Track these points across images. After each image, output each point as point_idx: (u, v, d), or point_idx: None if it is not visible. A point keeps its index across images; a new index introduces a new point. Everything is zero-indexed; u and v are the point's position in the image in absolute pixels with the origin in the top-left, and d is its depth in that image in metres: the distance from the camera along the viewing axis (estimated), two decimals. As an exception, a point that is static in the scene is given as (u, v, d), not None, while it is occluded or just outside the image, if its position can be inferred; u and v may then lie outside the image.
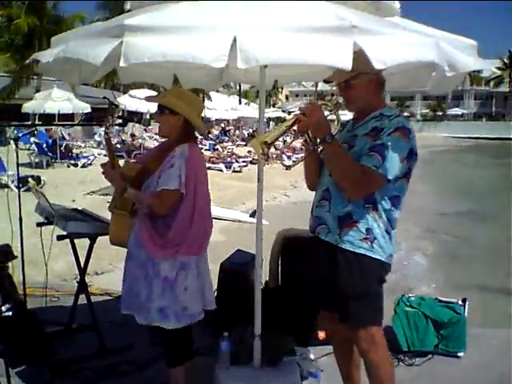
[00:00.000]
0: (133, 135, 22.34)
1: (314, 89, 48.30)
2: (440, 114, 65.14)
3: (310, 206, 2.72)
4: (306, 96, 69.91)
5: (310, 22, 1.97)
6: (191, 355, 3.05)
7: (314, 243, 2.64)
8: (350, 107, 2.58)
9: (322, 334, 3.73)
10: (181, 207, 2.79)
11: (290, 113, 29.83)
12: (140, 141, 20.32)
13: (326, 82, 2.69)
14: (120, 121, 3.30)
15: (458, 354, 3.70)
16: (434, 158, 24.90)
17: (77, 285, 4.03)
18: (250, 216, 9.40)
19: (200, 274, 2.94)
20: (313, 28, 1.93)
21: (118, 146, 19.97)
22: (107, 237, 3.16)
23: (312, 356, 3.51)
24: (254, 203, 8.55)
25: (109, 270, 5.93)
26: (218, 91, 27.96)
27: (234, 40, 1.88)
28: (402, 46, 2.02)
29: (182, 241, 2.81)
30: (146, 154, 3.37)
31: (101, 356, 3.65)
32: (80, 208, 4.24)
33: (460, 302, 3.84)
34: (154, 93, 13.96)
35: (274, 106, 48.59)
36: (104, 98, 3.26)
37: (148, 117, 26.87)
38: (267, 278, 4.10)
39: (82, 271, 3.80)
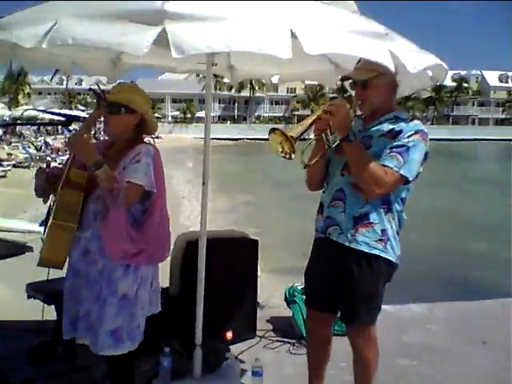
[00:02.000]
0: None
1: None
2: (189, 116, 68.29)
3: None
4: (50, 94, 66.12)
5: (356, 27, 2.05)
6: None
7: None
8: (365, 107, 2.58)
9: (229, 334, 3.74)
10: (154, 208, 2.57)
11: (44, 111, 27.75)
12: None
13: (343, 79, 2.69)
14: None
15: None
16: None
17: None
18: (40, 225, 8.59)
19: (152, 284, 2.72)
20: (359, 32, 2.01)
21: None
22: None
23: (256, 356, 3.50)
24: (34, 211, 7.86)
25: None
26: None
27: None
28: (420, 52, 2.22)
29: (154, 245, 2.58)
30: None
31: None
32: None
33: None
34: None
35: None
36: (90, 90, 2.74)
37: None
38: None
39: None
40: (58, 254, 2.59)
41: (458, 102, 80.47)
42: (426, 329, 4.40)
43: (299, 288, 4.30)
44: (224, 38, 1.83)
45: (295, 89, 77.86)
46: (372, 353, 2.69)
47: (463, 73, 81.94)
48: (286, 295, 4.34)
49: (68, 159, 2.59)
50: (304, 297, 3.96)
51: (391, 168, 2.41)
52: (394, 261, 2.58)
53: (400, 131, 2.47)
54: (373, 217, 2.52)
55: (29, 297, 3.54)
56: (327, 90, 60.19)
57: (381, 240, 2.52)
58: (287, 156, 2.30)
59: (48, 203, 2.64)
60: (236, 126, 66.54)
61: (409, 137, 2.44)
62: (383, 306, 2.72)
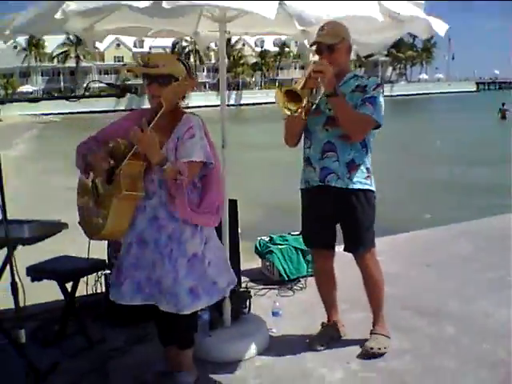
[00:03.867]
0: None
1: None
2: (10, 91, 62.52)
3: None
4: None
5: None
6: None
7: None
8: (333, 68, 2.92)
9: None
10: (212, 177, 2.73)
11: None
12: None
13: (312, 44, 3.03)
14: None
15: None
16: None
17: None
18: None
19: (221, 246, 2.94)
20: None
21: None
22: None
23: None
24: None
25: None
26: None
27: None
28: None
29: (212, 211, 2.77)
30: (118, 128, 2.82)
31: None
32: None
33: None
34: None
35: None
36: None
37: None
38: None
39: None
40: (121, 225, 2.66)
41: (282, 66, 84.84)
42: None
43: (266, 240, 4.73)
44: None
45: (123, 57, 75.60)
46: (379, 271, 3.25)
47: (283, 38, 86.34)
48: (257, 248, 4.73)
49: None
50: (281, 247, 4.43)
51: (367, 114, 2.92)
52: (375, 190, 3.14)
53: (366, 85, 2.98)
54: (358, 159, 3.04)
55: (33, 280, 3.47)
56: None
57: (368, 177, 3.08)
58: (299, 111, 2.81)
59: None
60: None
61: (374, 89, 2.96)
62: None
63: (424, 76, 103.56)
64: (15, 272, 2.23)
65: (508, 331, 3.35)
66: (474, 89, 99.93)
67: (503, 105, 30.38)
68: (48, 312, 3.95)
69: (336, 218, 3.15)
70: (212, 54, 79.30)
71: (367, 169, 3.09)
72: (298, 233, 4.64)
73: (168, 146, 2.65)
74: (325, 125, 3.01)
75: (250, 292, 3.72)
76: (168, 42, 76.18)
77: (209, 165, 2.69)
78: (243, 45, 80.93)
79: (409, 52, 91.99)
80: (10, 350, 2.72)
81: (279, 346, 3.36)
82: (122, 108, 41.86)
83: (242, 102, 75.85)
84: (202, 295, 2.73)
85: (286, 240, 4.62)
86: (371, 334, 3.28)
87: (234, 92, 78.37)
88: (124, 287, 2.76)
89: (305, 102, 2.79)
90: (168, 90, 2.59)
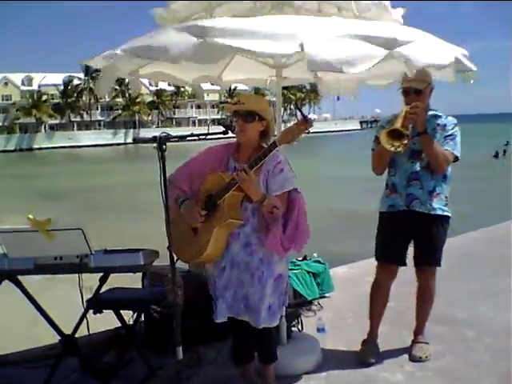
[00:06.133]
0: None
1: None
2: None
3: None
4: None
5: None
6: None
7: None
8: None
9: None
10: (296, 205, 2.99)
11: None
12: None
13: (405, 89, 3.44)
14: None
15: (327, 295, 5.03)
16: None
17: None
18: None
19: None
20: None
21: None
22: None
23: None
24: None
25: None
26: None
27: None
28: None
29: (295, 237, 3.05)
30: (205, 160, 3.00)
31: None
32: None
33: (315, 255, 5.17)
34: None
35: None
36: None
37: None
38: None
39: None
40: (219, 249, 2.93)
41: (179, 105, 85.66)
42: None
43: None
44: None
45: (11, 95, 72.43)
46: (435, 288, 3.72)
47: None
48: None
49: None
50: (294, 271, 4.76)
51: (449, 150, 3.44)
52: (451, 217, 3.65)
53: (445, 124, 3.48)
54: (439, 188, 3.51)
55: (95, 312, 3.53)
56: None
57: (446, 204, 3.56)
58: (401, 147, 3.24)
59: None
60: None
61: (453, 128, 3.49)
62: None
63: (313, 116, 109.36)
64: (176, 294, 2.39)
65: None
66: (359, 127, 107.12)
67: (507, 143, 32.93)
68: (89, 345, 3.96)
69: (414, 237, 3.59)
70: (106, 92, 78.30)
71: (446, 197, 3.55)
72: (301, 258, 5.05)
73: (260, 178, 2.93)
74: (410, 157, 3.48)
75: (299, 311, 4.02)
76: (58, 79, 74.32)
77: (292, 192, 2.98)
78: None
79: (298, 93, 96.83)
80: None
81: (333, 360, 3.69)
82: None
83: (139, 141, 75.16)
84: (277, 312, 3.04)
85: (298, 265, 4.97)
86: (415, 343, 3.74)
87: (131, 130, 77.78)
88: (219, 306, 3.01)
89: (407, 139, 3.20)
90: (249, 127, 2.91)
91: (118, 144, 72.40)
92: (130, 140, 74.83)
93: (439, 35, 3.19)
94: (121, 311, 3.62)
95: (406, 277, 3.76)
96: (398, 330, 4.04)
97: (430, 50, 2.91)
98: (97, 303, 3.54)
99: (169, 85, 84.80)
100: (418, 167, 3.49)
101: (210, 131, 2.93)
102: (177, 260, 3.70)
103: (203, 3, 3.38)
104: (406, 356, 3.69)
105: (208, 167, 3.03)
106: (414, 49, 2.76)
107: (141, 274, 4.12)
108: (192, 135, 2.72)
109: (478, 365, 3.53)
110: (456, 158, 3.47)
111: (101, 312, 3.56)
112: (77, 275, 2.98)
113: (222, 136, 2.99)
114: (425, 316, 3.79)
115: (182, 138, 2.58)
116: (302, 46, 2.57)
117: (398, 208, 3.56)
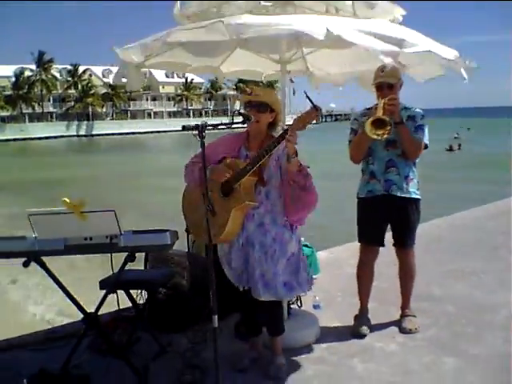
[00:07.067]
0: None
1: None
2: None
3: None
4: None
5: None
6: None
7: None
8: None
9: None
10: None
11: None
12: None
13: (379, 84, 3.67)
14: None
15: (315, 276, 5.31)
16: None
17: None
18: None
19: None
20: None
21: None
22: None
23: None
24: None
25: None
26: None
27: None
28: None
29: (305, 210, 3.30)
30: (217, 148, 3.22)
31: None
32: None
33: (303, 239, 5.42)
34: None
35: None
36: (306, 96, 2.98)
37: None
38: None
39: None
40: (236, 229, 3.18)
41: (134, 97, 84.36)
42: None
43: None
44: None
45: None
46: (414, 261, 4.04)
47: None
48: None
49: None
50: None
51: (421, 139, 3.76)
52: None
53: (414, 116, 3.77)
54: (412, 174, 3.86)
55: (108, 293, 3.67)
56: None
57: (418, 188, 3.91)
58: (386, 135, 3.49)
59: None
60: None
61: (421, 119, 3.78)
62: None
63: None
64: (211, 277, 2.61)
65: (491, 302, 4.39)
66: (314, 121, 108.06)
67: None
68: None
69: (391, 220, 3.90)
70: (58, 83, 76.73)
71: (418, 182, 3.90)
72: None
73: (271, 164, 3.20)
74: (386, 146, 3.77)
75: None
76: (9, 71, 71.97)
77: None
78: (90, 75, 79.27)
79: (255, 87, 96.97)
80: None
81: (330, 334, 3.99)
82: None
83: (93, 133, 73.99)
84: (296, 286, 3.31)
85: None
86: (404, 316, 4.07)
87: (85, 122, 76.21)
88: (233, 278, 3.29)
89: (390, 126, 3.47)
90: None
91: (71, 136, 70.98)
92: (82, 132, 73.66)
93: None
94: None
95: (383, 259, 4.09)
96: (385, 307, 4.35)
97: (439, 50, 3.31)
98: (111, 284, 3.71)
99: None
100: (393, 155, 3.80)
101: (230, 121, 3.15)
102: (193, 242, 3.94)
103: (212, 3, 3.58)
104: (395, 329, 4.01)
105: (221, 154, 3.27)
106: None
107: (143, 256, 4.31)
108: (222, 124, 2.92)
109: (464, 335, 3.88)
110: (426, 146, 3.82)
111: (114, 292, 3.73)
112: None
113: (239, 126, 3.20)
114: (409, 291, 4.13)
115: (215, 126, 2.78)
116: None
117: (376, 193, 3.86)
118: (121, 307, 4.17)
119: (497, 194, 11.25)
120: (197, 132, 2.62)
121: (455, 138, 34.95)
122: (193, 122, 2.85)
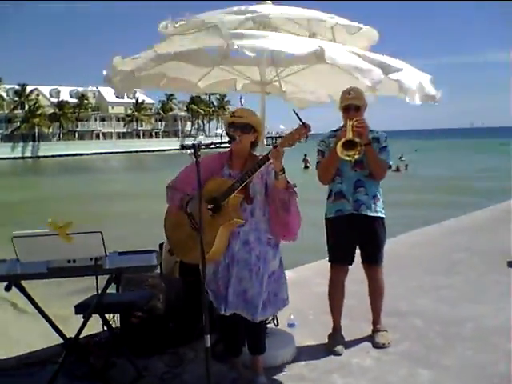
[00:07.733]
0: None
1: None
2: None
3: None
4: None
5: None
6: None
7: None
8: None
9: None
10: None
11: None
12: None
13: (346, 106, 3.81)
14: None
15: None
16: None
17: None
18: None
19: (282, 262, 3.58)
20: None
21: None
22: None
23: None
24: None
25: None
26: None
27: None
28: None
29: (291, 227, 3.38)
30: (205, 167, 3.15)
31: None
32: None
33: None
34: None
35: None
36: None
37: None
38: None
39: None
40: (222, 247, 3.22)
41: (82, 117, 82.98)
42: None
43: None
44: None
45: None
46: (383, 279, 4.18)
47: (80, 89, 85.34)
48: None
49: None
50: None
51: (385, 160, 3.93)
52: None
53: (379, 138, 3.93)
54: (378, 194, 4.00)
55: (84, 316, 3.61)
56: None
57: (383, 208, 4.06)
58: (356, 155, 3.64)
59: None
60: None
61: (385, 140, 3.95)
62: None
63: (219, 131, 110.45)
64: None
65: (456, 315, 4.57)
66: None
67: (305, 155, 34.03)
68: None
69: (361, 239, 4.01)
70: (4, 103, 74.81)
71: (383, 201, 4.04)
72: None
73: (256, 182, 3.27)
74: (353, 167, 3.89)
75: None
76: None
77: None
78: (37, 95, 77.61)
79: (207, 108, 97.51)
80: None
81: (307, 352, 4.04)
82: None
83: (40, 154, 72.15)
84: (270, 308, 3.37)
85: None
86: (376, 331, 4.18)
87: (31, 143, 74.25)
88: (215, 301, 3.32)
89: (360, 147, 3.61)
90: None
91: (16, 158, 68.88)
92: (28, 154, 71.61)
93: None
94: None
95: (350, 277, 4.18)
96: (357, 323, 4.45)
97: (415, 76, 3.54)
98: (85, 308, 3.65)
99: (71, 97, 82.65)
100: (361, 175, 3.94)
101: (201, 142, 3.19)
102: (177, 262, 3.93)
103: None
104: (369, 344, 4.11)
105: (205, 174, 3.30)
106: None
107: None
108: (212, 143, 2.97)
109: (434, 348, 4.03)
110: (390, 167, 4.00)
111: (89, 318, 3.66)
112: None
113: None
114: (380, 307, 4.25)
115: (207, 145, 2.83)
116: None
117: (345, 212, 3.96)
118: (90, 332, 4.17)
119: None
120: (192, 151, 2.66)
121: (399, 158, 36.16)
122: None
